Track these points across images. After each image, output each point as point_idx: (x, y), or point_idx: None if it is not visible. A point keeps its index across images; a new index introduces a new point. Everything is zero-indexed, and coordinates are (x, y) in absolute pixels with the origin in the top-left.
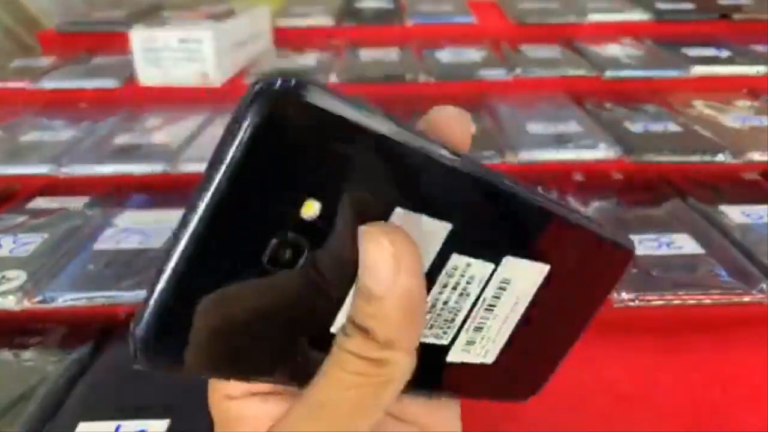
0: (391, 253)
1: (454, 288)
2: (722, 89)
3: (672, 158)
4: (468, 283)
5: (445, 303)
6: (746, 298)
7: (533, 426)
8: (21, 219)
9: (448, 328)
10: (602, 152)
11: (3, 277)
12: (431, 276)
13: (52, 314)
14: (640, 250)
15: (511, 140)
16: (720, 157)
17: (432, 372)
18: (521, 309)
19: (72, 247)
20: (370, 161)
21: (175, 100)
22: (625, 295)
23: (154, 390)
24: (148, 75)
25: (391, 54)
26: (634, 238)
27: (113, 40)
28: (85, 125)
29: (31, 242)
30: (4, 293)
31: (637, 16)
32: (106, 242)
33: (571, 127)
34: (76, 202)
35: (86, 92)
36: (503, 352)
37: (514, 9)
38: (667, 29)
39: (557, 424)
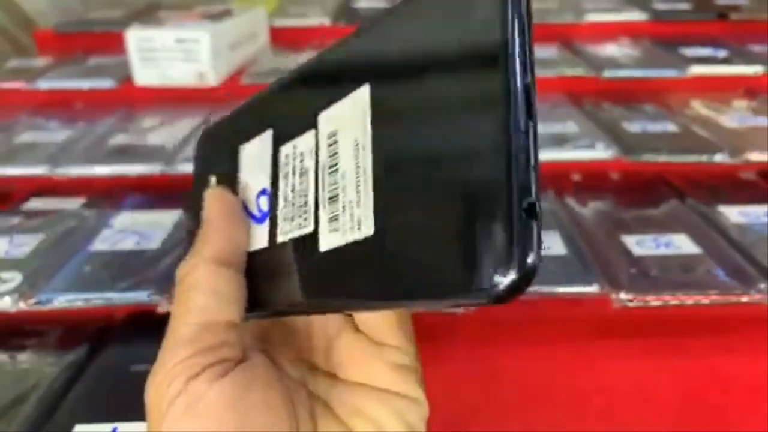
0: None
1: (294, 173)
2: (720, 89)
3: (670, 158)
4: (301, 160)
5: (293, 190)
6: (744, 298)
7: (532, 426)
8: (16, 220)
9: (305, 212)
10: (600, 152)
11: None
12: (277, 180)
13: (49, 316)
14: (639, 251)
15: None
16: (718, 158)
17: (312, 274)
18: (368, 151)
19: (68, 249)
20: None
21: (171, 100)
22: (623, 296)
23: None
24: (144, 75)
25: None
26: (632, 238)
27: (109, 40)
28: (81, 126)
29: (26, 243)
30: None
31: (635, 16)
32: (102, 243)
33: (569, 127)
34: (72, 203)
35: (82, 92)
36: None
37: None
38: (665, 29)
39: (556, 424)
